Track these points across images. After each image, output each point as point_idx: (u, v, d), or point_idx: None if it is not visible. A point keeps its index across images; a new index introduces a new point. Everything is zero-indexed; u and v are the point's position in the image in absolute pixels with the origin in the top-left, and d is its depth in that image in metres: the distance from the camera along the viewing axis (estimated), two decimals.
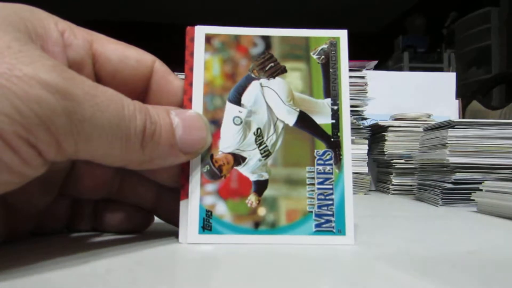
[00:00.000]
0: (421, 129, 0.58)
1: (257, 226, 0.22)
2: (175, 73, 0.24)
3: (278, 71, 0.23)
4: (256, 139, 0.23)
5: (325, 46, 0.24)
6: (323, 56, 0.24)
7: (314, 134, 0.23)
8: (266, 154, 0.23)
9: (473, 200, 0.41)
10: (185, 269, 0.17)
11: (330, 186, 0.23)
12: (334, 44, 0.24)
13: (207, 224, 0.22)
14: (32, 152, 0.16)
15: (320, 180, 0.23)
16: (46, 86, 0.15)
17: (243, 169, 0.23)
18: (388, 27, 3.86)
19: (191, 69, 0.23)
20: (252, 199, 0.22)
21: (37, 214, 0.23)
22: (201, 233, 0.22)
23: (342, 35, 0.24)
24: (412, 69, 2.89)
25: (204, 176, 0.22)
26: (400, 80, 0.82)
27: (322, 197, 0.22)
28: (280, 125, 0.23)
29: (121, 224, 0.25)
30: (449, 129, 0.46)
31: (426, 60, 3.04)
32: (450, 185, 0.45)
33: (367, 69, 0.65)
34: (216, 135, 0.23)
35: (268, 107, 0.23)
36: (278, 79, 0.23)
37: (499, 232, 0.29)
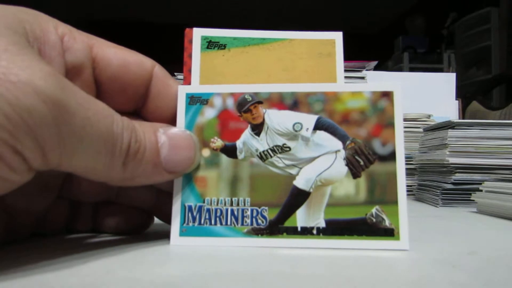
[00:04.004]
0: (421, 130, 0.58)
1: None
2: (174, 73, 0.24)
3: None
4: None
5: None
6: None
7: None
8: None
9: (473, 200, 0.41)
10: (185, 269, 0.17)
11: None
12: None
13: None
14: (17, 159, 0.15)
15: None
16: (40, 94, 0.15)
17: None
18: (388, 28, 3.86)
19: (189, 71, 0.23)
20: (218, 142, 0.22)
21: (36, 217, 0.23)
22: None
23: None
24: (412, 69, 2.90)
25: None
26: (400, 80, 0.82)
27: None
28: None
29: (120, 226, 0.25)
30: (449, 130, 0.46)
31: (426, 60, 3.04)
32: (450, 186, 0.45)
33: (367, 70, 0.64)
34: None
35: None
36: None
37: (499, 232, 0.29)
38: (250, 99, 0.22)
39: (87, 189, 0.24)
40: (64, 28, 0.20)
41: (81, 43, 0.20)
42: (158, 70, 0.23)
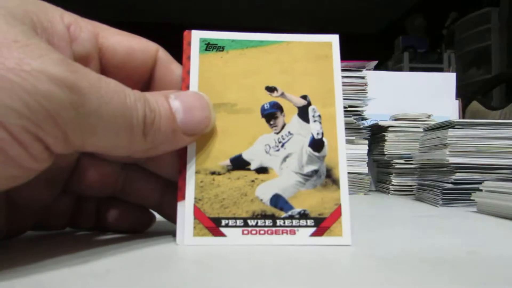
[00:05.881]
0: (421, 129, 0.58)
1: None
2: None
3: None
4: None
5: None
6: None
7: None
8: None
9: (473, 200, 0.41)
10: (185, 270, 0.17)
11: None
12: None
13: None
14: (39, 146, 0.16)
15: None
16: (55, 80, 0.15)
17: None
18: (388, 28, 3.86)
19: (188, 73, 0.23)
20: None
21: (39, 210, 0.23)
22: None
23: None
24: (412, 69, 2.90)
25: None
26: (400, 80, 0.82)
27: None
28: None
29: (123, 223, 0.25)
30: (449, 129, 0.46)
31: (426, 60, 3.04)
32: (450, 185, 0.45)
33: (367, 69, 0.65)
34: None
35: None
36: None
37: (499, 232, 0.29)
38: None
39: (92, 183, 0.24)
40: (69, 17, 0.20)
41: (87, 33, 0.21)
42: (162, 54, 0.23)
